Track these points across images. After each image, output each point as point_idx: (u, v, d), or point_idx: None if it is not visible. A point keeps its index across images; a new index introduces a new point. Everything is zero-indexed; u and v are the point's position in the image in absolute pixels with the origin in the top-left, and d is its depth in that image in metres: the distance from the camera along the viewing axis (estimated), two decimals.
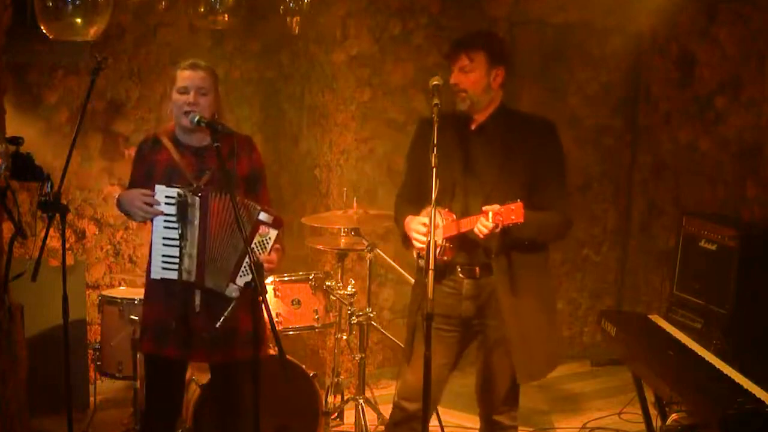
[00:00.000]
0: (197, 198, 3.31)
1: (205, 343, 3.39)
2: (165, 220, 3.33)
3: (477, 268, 3.42)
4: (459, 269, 3.43)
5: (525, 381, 3.49)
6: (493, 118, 3.41)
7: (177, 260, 3.32)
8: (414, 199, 3.55)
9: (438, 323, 3.40)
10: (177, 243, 3.32)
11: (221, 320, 3.33)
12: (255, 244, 3.35)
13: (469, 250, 3.39)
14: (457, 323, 3.48)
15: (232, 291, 3.33)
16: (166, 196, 3.32)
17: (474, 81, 3.35)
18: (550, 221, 3.35)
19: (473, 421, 4.01)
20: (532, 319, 3.43)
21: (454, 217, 3.34)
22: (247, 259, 3.19)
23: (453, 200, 3.39)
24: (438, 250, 3.32)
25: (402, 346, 3.80)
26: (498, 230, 3.18)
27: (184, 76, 3.39)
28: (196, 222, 3.32)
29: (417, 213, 3.45)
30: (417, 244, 3.39)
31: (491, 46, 3.40)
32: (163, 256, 3.33)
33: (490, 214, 3.16)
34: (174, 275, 3.33)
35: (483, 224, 3.19)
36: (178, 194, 3.30)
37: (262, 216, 3.36)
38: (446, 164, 3.28)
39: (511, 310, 3.38)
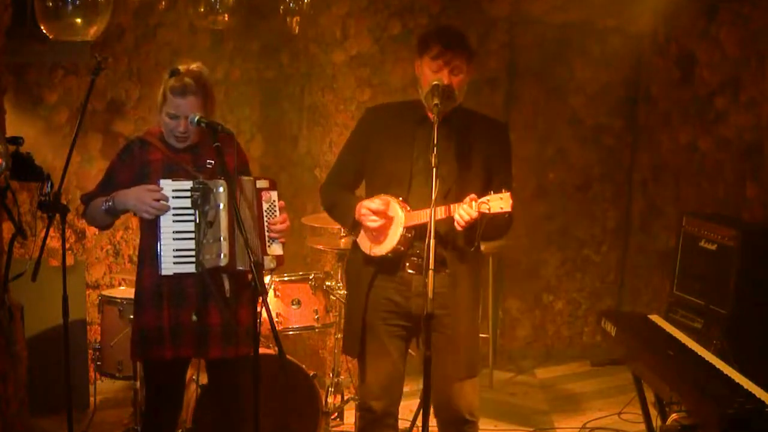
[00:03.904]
0: (221, 182, 3.28)
1: (221, 336, 3.39)
2: (174, 215, 3.30)
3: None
4: (407, 265, 3.38)
5: (474, 374, 3.48)
6: (453, 114, 3.38)
7: (192, 252, 3.29)
8: (350, 187, 3.54)
9: (388, 320, 3.42)
10: (191, 235, 3.29)
11: (261, 294, 3.25)
12: (266, 212, 3.38)
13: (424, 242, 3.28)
14: (407, 318, 3.42)
15: (270, 262, 3.34)
16: (175, 190, 3.30)
17: (462, 81, 3.34)
18: (502, 217, 3.28)
19: None
20: (471, 317, 3.44)
21: (409, 208, 3.30)
22: (253, 257, 3.14)
23: (409, 191, 3.34)
24: (396, 240, 3.31)
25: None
26: (480, 220, 3.15)
27: (175, 103, 3.33)
28: (222, 205, 3.29)
29: (358, 200, 3.41)
30: (371, 224, 3.30)
31: (472, 47, 3.40)
32: (176, 250, 3.30)
33: (474, 204, 3.14)
34: (189, 268, 3.30)
35: (467, 211, 3.15)
36: (197, 182, 3.29)
37: (260, 183, 3.39)
38: (402, 156, 3.28)
39: (461, 307, 3.38)
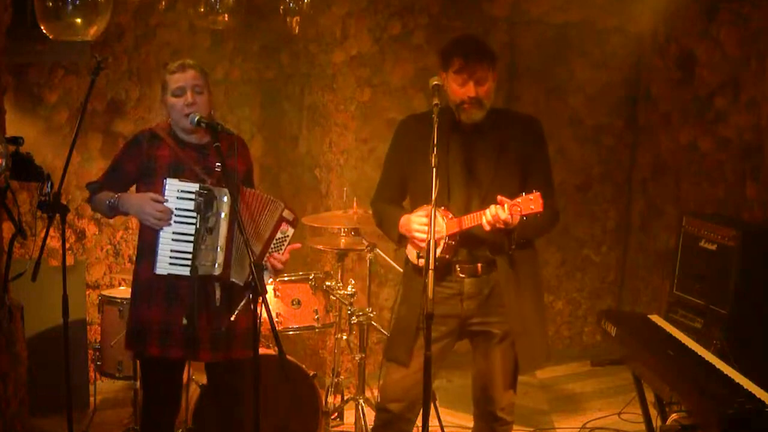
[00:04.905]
0: (225, 190, 3.27)
1: (210, 341, 3.38)
2: (176, 215, 3.30)
3: (479, 265, 3.42)
4: (458, 268, 3.42)
5: (528, 371, 3.55)
6: (485, 118, 3.40)
7: (189, 256, 3.29)
8: (396, 200, 3.58)
9: (436, 324, 3.40)
10: (190, 238, 3.29)
11: (236, 312, 3.33)
12: (276, 240, 3.38)
13: (471, 247, 3.39)
14: (455, 324, 3.47)
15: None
16: (181, 191, 3.30)
17: (489, 90, 3.36)
18: (545, 216, 3.32)
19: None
20: (532, 312, 3.47)
21: (451, 215, 3.34)
22: (253, 258, 3.14)
23: (450, 198, 3.38)
24: (440, 248, 3.33)
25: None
26: (512, 222, 3.19)
27: (177, 78, 3.36)
28: (224, 214, 3.29)
29: (402, 213, 3.46)
30: (421, 244, 3.37)
31: (493, 51, 3.42)
32: (173, 251, 3.30)
33: (506, 205, 3.16)
34: (184, 271, 3.29)
35: (499, 213, 3.16)
36: (203, 187, 3.28)
37: (286, 213, 3.39)
38: (439, 164, 3.30)
39: (515, 305, 3.41)
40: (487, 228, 3.23)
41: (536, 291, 3.54)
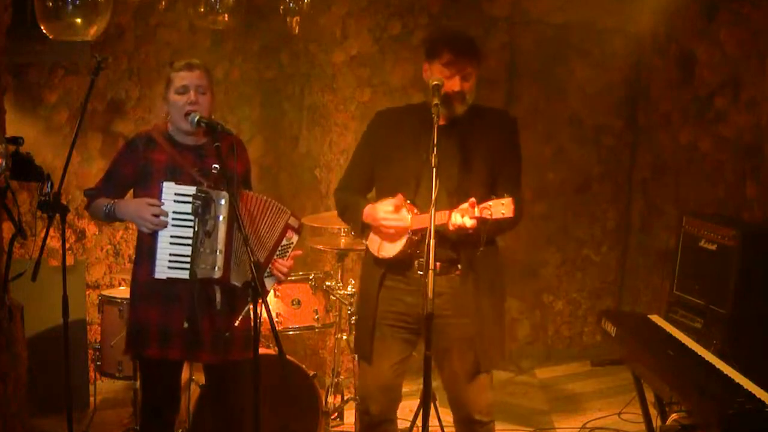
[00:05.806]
0: (223, 194, 3.27)
1: (212, 343, 3.38)
2: (174, 219, 3.30)
3: (438, 264, 3.32)
4: (417, 264, 3.38)
5: (487, 368, 3.46)
6: (462, 115, 3.38)
7: (187, 259, 3.28)
8: (362, 191, 3.55)
9: (393, 321, 3.43)
10: (188, 241, 3.28)
11: (240, 317, 3.33)
12: (281, 247, 3.40)
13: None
14: (413, 320, 3.42)
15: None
16: (178, 194, 3.29)
17: (472, 85, 3.36)
18: (506, 220, 3.27)
19: None
20: (490, 311, 3.43)
21: (416, 210, 3.31)
22: (253, 258, 3.12)
23: (416, 194, 3.34)
24: (403, 243, 3.32)
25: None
26: (482, 224, 3.15)
27: (182, 76, 3.36)
28: (222, 217, 3.29)
29: (366, 203, 3.43)
30: (389, 230, 3.33)
31: (479, 49, 3.42)
32: (171, 255, 3.30)
33: (476, 208, 3.13)
34: (183, 274, 3.29)
35: (468, 215, 3.14)
36: (200, 190, 3.28)
37: (292, 221, 3.40)
38: (410, 158, 3.29)
39: (473, 304, 3.38)
40: (452, 228, 3.20)
41: (496, 290, 3.49)
